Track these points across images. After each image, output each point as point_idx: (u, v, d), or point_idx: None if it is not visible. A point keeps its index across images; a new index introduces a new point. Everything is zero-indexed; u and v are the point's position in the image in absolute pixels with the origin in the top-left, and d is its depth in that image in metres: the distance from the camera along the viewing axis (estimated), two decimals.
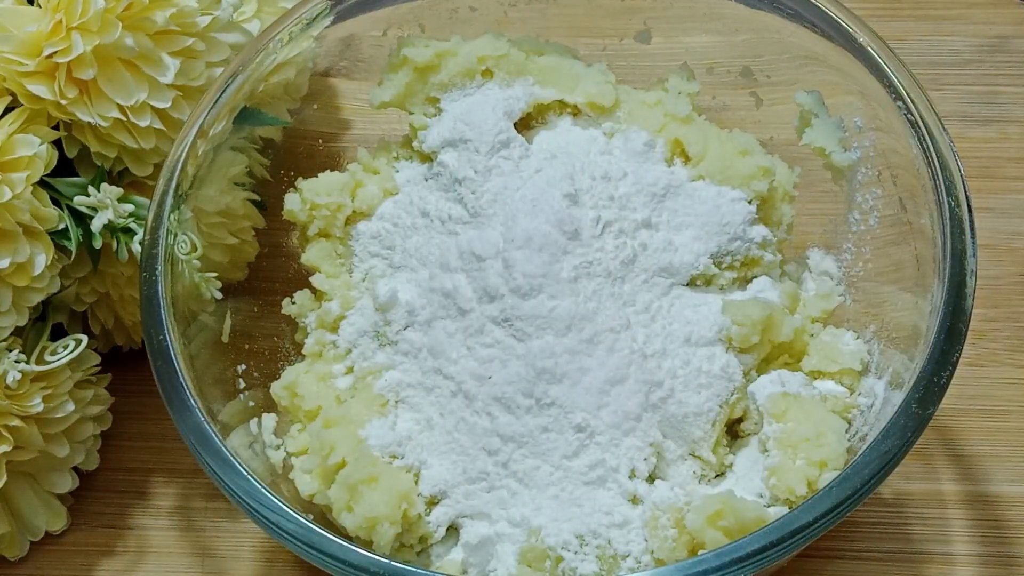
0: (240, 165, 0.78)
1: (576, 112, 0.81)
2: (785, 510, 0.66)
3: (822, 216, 0.80)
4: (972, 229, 0.68)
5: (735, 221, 0.76)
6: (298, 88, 0.83)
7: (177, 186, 0.72)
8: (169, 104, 0.74)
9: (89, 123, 0.72)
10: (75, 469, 0.80)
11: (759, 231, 0.76)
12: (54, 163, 0.73)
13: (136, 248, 0.72)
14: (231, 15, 0.77)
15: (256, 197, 0.80)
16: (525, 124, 0.80)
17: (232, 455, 0.65)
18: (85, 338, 0.74)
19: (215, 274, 0.74)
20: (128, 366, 0.82)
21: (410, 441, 0.72)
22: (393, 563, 0.62)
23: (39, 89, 0.71)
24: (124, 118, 0.73)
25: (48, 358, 0.74)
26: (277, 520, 0.63)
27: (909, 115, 0.71)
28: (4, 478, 0.73)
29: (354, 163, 0.80)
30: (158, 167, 0.74)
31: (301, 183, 0.78)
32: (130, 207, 0.73)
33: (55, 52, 0.70)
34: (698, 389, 0.71)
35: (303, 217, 0.78)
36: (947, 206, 0.68)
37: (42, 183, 0.72)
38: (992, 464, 0.79)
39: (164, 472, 0.82)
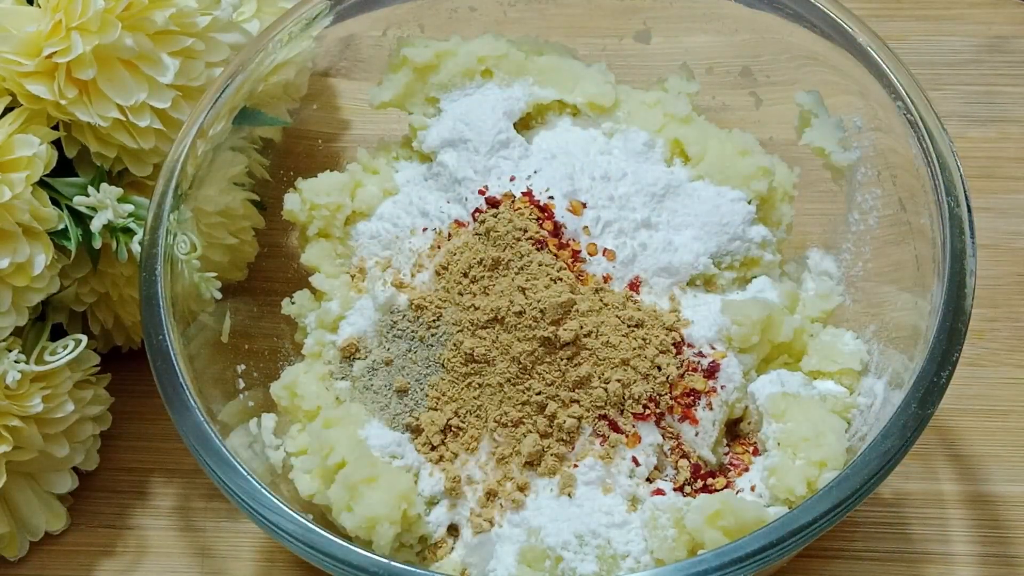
0: (240, 165, 0.78)
1: (576, 112, 0.81)
2: (785, 510, 0.66)
3: (822, 216, 0.80)
4: (972, 229, 0.68)
5: (735, 221, 0.76)
6: (298, 88, 0.83)
7: (177, 186, 0.72)
8: (169, 104, 0.74)
9: (89, 123, 0.72)
10: (75, 469, 0.80)
11: (759, 231, 0.76)
12: (54, 163, 0.73)
13: (136, 248, 0.72)
14: (231, 15, 0.77)
15: (256, 197, 0.80)
16: (525, 124, 0.80)
17: (232, 455, 0.65)
18: (85, 338, 0.74)
19: (215, 274, 0.74)
20: (128, 366, 0.82)
21: (410, 441, 0.72)
22: (393, 563, 0.62)
23: (39, 89, 0.71)
24: (124, 118, 0.73)
25: (48, 358, 0.74)
26: (277, 520, 0.63)
27: (909, 115, 0.71)
28: (4, 478, 0.73)
29: (354, 163, 0.80)
30: (158, 167, 0.74)
31: (301, 183, 0.78)
32: (130, 207, 0.73)
33: (55, 52, 0.70)
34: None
35: (303, 217, 0.78)
36: (947, 206, 0.68)
37: (42, 183, 0.72)
38: (992, 464, 0.79)
39: (164, 472, 0.82)
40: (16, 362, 0.72)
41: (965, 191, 0.69)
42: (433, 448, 0.71)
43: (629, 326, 0.71)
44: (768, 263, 0.77)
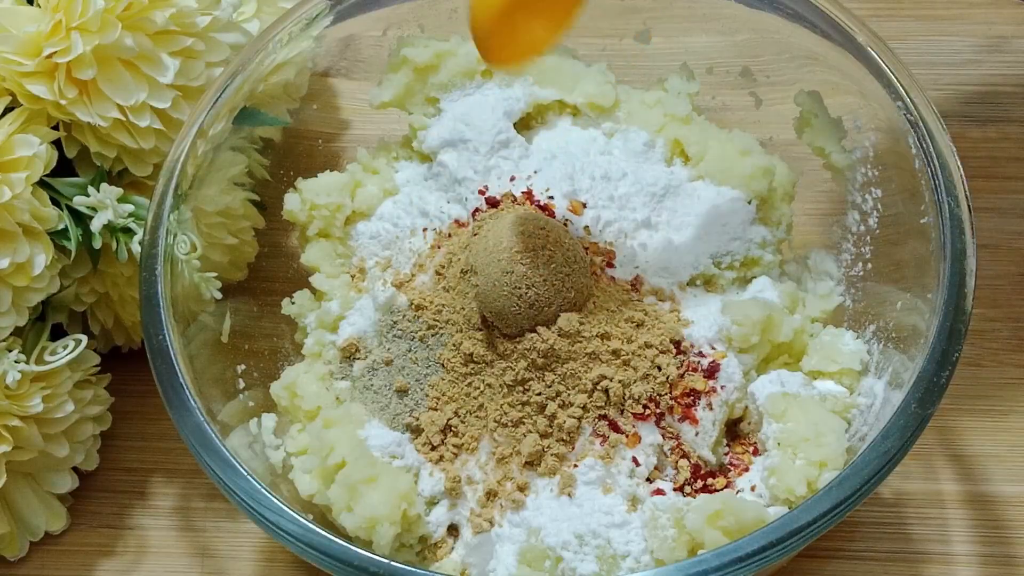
0: (240, 165, 0.78)
1: (576, 112, 0.81)
2: (785, 510, 0.66)
3: (822, 216, 0.80)
4: (972, 229, 0.68)
5: (735, 221, 0.76)
6: (298, 88, 0.83)
7: (177, 186, 0.72)
8: (169, 104, 0.74)
9: (89, 123, 0.72)
10: (75, 469, 0.80)
11: (759, 231, 0.76)
12: (54, 163, 0.73)
13: (136, 248, 0.72)
14: (231, 15, 0.77)
15: (256, 197, 0.80)
16: (525, 124, 0.80)
17: (232, 455, 0.65)
18: (85, 338, 0.74)
19: (215, 274, 0.74)
20: (128, 366, 0.82)
21: (410, 441, 0.72)
22: (393, 563, 0.62)
23: (39, 89, 0.71)
24: (124, 118, 0.73)
25: (48, 358, 0.74)
26: (277, 520, 0.63)
27: (909, 115, 0.71)
28: (4, 478, 0.73)
29: (354, 163, 0.80)
30: (158, 167, 0.74)
31: (301, 183, 0.78)
32: (130, 207, 0.73)
33: (55, 52, 0.70)
34: None
35: (303, 217, 0.78)
36: (947, 206, 0.68)
37: (42, 183, 0.72)
38: (992, 464, 0.79)
39: (164, 472, 0.82)
40: (16, 362, 0.72)
41: (965, 191, 0.69)
42: (433, 448, 0.71)
43: (629, 326, 0.71)
44: (768, 263, 0.77)
